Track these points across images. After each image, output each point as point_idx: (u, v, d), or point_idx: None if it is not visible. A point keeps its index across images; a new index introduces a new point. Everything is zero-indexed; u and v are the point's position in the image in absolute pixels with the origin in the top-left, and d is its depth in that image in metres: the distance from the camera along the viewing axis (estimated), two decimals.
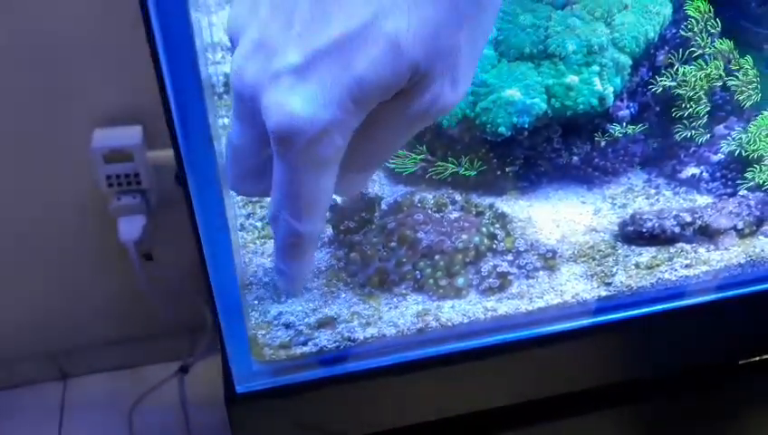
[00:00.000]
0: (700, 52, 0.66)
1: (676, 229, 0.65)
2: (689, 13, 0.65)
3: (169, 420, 1.52)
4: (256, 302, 0.61)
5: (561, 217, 0.68)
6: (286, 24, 0.38)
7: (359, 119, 0.38)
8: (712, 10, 0.66)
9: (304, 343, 0.59)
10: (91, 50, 1.10)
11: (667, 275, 0.63)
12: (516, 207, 0.69)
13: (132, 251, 1.28)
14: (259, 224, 0.68)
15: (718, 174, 0.69)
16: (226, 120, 0.78)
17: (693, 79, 0.65)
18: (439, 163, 0.67)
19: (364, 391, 0.62)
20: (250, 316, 0.60)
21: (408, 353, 0.61)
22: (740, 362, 0.76)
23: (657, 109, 0.67)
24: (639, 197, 0.69)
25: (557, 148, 0.68)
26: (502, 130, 0.64)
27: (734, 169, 0.69)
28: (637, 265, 0.64)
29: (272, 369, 0.59)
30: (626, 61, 0.64)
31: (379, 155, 0.44)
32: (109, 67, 1.13)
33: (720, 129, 0.71)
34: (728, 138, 0.68)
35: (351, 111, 0.38)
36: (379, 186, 0.71)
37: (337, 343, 0.59)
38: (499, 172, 0.67)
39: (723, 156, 0.69)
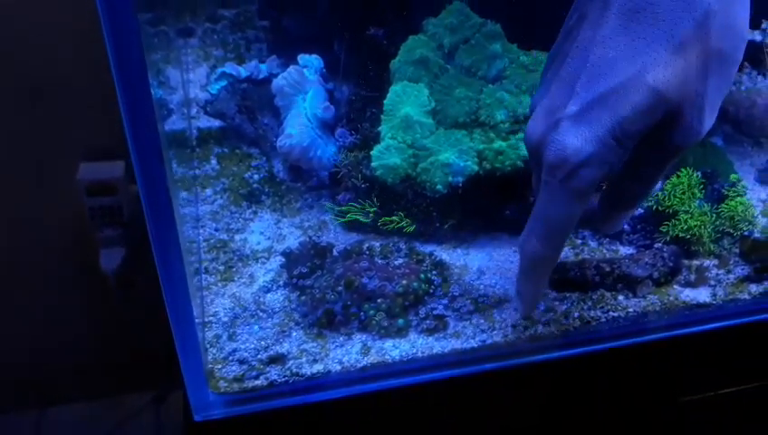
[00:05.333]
0: None
1: (597, 278, 0.73)
2: None
3: None
4: (214, 339, 0.68)
5: (495, 265, 0.75)
6: (569, 91, 0.50)
7: (616, 155, 0.50)
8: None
9: (256, 377, 0.66)
10: (80, 88, 1.16)
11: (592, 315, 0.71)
12: (454, 254, 0.76)
13: (112, 281, 1.34)
14: (221, 268, 0.75)
15: (639, 226, 0.77)
16: (197, 172, 0.86)
17: None
18: (385, 218, 0.74)
19: (313, 422, 0.69)
20: (208, 352, 0.67)
21: (352, 388, 0.68)
22: (684, 400, 0.82)
23: None
24: (566, 248, 0.77)
25: (490, 203, 0.75)
26: (439, 188, 0.71)
27: (653, 223, 0.76)
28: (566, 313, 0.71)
29: (227, 400, 0.66)
30: None
31: (640, 192, 0.56)
32: (95, 104, 1.19)
33: None
34: None
35: (612, 148, 0.49)
36: (333, 234, 0.79)
37: (286, 378, 0.66)
38: (438, 224, 0.74)
39: (642, 210, 0.77)
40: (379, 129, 0.73)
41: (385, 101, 0.72)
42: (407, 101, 0.72)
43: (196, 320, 0.68)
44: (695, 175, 0.76)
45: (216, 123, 0.90)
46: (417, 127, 0.71)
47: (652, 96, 0.48)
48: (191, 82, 0.98)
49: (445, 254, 0.76)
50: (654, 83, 0.47)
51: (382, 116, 0.72)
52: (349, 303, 0.69)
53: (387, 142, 0.71)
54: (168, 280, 0.56)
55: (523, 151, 0.71)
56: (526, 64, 0.73)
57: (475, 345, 0.69)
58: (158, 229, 0.53)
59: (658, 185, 0.77)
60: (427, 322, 0.70)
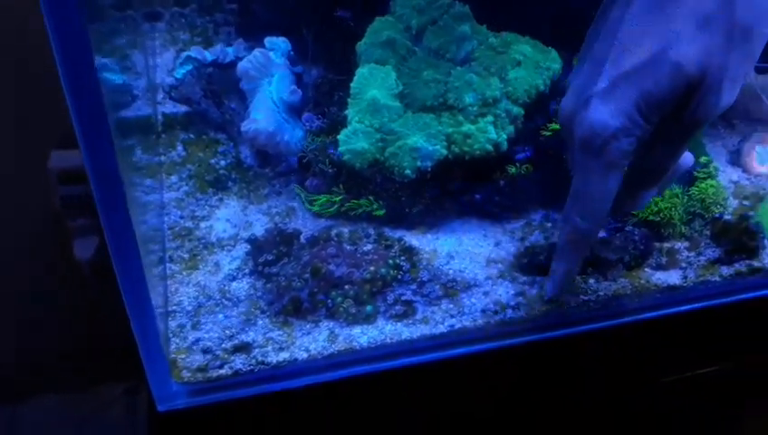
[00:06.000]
0: None
1: None
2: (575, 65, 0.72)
3: None
4: (178, 328, 0.67)
5: (464, 249, 0.74)
6: (598, 69, 0.53)
7: (642, 128, 0.52)
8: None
9: (221, 367, 0.65)
10: (55, 73, 1.14)
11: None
12: (424, 239, 0.75)
13: (86, 270, 1.32)
14: (186, 256, 0.73)
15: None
16: (162, 158, 0.84)
17: None
18: (354, 201, 0.73)
19: (279, 411, 0.68)
20: (171, 342, 0.66)
21: (318, 376, 0.67)
22: (663, 380, 0.82)
23: (551, 152, 0.74)
24: (536, 231, 0.76)
25: (460, 187, 0.74)
26: (407, 172, 0.70)
27: None
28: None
29: (190, 390, 0.64)
30: (518, 111, 0.71)
31: (662, 168, 0.58)
32: None
33: None
34: None
35: (637, 122, 0.52)
36: (302, 220, 0.77)
37: (251, 367, 0.65)
38: (407, 209, 0.73)
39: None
40: (346, 112, 0.71)
41: (352, 85, 0.71)
42: (373, 84, 0.70)
43: (159, 310, 0.67)
44: None
45: (183, 109, 0.88)
46: (384, 111, 0.70)
47: (675, 71, 0.50)
48: (158, 67, 0.96)
49: (414, 239, 0.75)
50: (677, 59, 0.50)
51: (349, 100, 0.71)
52: (315, 290, 0.68)
53: (354, 126, 0.70)
54: (123, 272, 0.55)
55: (492, 135, 0.70)
56: (495, 46, 0.72)
57: (444, 331, 0.69)
58: (110, 221, 0.52)
59: None
60: (396, 308, 0.69)
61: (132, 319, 0.57)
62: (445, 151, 0.70)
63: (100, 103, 0.45)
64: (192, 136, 0.86)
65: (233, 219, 0.77)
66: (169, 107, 0.89)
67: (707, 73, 0.50)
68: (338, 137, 0.71)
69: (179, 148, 0.85)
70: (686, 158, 0.62)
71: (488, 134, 0.69)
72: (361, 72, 0.71)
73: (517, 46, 0.71)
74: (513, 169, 0.73)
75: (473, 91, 0.70)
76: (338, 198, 0.73)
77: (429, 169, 0.71)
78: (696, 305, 0.74)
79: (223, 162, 0.83)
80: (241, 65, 0.77)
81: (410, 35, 0.73)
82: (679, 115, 0.52)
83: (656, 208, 0.72)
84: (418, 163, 0.70)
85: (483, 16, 0.73)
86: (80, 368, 1.58)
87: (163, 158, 0.84)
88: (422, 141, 0.69)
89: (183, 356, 0.65)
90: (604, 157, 0.53)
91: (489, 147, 0.70)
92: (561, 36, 0.74)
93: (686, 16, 0.50)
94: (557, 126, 0.72)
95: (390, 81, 0.70)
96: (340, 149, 0.70)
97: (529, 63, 0.71)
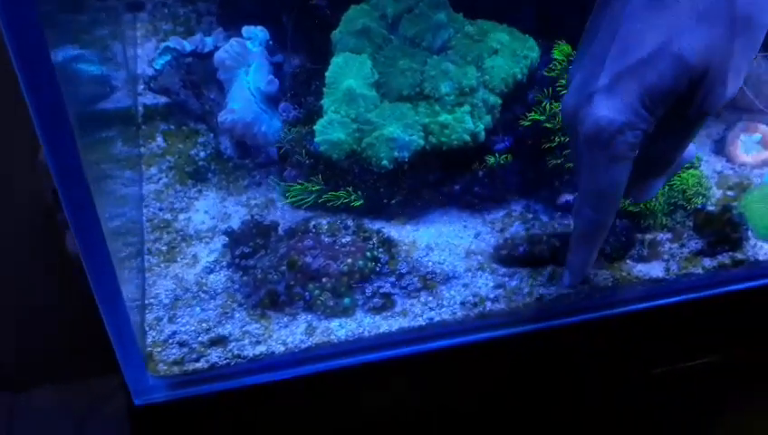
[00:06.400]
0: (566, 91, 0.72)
1: (546, 253, 0.71)
2: (554, 55, 0.71)
3: (119, 432, 1.55)
4: (155, 321, 0.66)
5: (444, 241, 0.74)
6: (599, 65, 0.53)
7: (647, 122, 0.53)
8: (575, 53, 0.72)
9: (197, 360, 0.64)
10: None
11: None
12: (403, 231, 0.74)
13: (78, 262, 1.32)
14: (164, 248, 0.73)
15: None
16: (142, 150, 0.83)
17: (558, 114, 0.71)
18: (331, 193, 0.73)
19: (256, 404, 0.68)
20: (148, 335, 0.65)
21: (296, 369, 0.67)
22: (649, 373, 0.81)
23: (530, 142, 0.73)
24: (517, 221, 0.75)
25: (439, 178, 0.73)
26: (385, 163, 0.70)
27: None
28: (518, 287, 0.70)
29: (167, 383, 0.64)
30: (496, 100, 0.70)
31: (669, 158, 0.59)
32: None
33: None
34: None
35: (642, 115, 0.52)
36: (281, 212, 0.77)
37: (228, 360, 0.65)
38: (386, 200, 0.73)
39: None
40: (322, 102, 0.70)
41: (327, 74, 0.70)
42: (349, 73, 0.69)
43: (137, 302, 0.67)
44: None
45: (163, 100, 0.87)
46: (360, 100, 0.69)
47: (678, 64, 0.50)
48: (139, 58, 0.95)
49: (393, 230, 0.74)
50: (679, 52, 0.50)
51: (324, 89, 0.70)
52: (292, 282, 0.67)
53: (330, 117, 0.69)
54: (92, 269, 0.54)
55: (469, 124, 0.69)
56: (472, 34, 0.71)
57: (423, 323, 0.68)
58: (76, 219, 0.51)
59: None
60: (374, 300, 0.69)
61: (104, 315, 0.57)
62: (422, 142, 0.69)
63: (58, 101, 0.44)
64: (172, 127, 0.85)
65: (211, 211, 0.76)
66: (150, 98, 0.88)
67: (711, 65, 0.50)
68: (314, 127, 0.70)
69: (159, 139, 0.84)
70: (689, 148, 0.62)
71: (465, 124, 0.68)
72: (336, 61, 0.70)
73: (494, 34, 0.70)
74: (491, 160, 0.72)
75: (449, 80, 0.69)
76: (315, 189, 0.72)
77: (407, 160, 0.70)
78: (680, 298, 0.73)
79: (202, 153, 0.82)
80: (217, 55, 0.76)
81: (386, 24, 0.72)
82: (685, 107, 0.53)
83: None
84: (395, 154, 0.69)
85: (459, 4, 0.72)
86: (75, 361, 1.58)
87: (143, 149, 0.84)
88: (399, 132, 0.68)
89: (159, 349, 0.65)
90: (611, 151, 0.54)
91: (466, 137, 0.69)
92: (538, 24, 0.73)
93: (687, 9, 0.50)
94: (536, 115, 0.72)
95: (366, 70, 0.70)
96: (316, 139, 0.70)
97: (506, 52, 0.70)
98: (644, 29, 0.51)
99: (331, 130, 0.69)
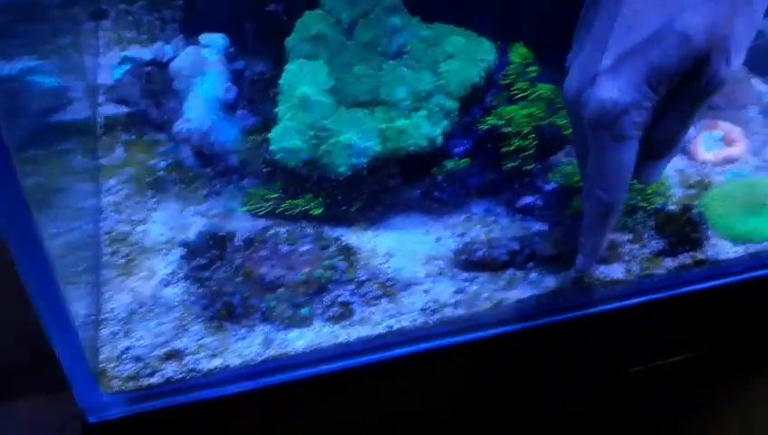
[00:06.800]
0: (523, 94, 0.72)
1: (506, 257, 0.71)
2: (512, 59, 0.71)
3: None
4: (110, 336, 0.66)
5: (404, 247, 0.73)
6: (601, 47, 0.53)
7: (651, 100, 0.53)
8: (533, 55, 0.72)
9: (151, 375, 0.63)
10: None
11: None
12: (364, 237, 0.74)
13: None
14: (122, 261, 0.72)
15: (552, 202, 0.75)
16: (102, 161, 0.82)
17: (516, 118, 0.70)
18: (289, 201, 0.72)
19: (213, 419, 0.67)
20: (102, 351, 0.64)
21: (252, 382, 0.66)
22: (630, 371, 0.81)
23: (490, 145, 0.73)
24: (477, 225, 0.75)
25: (398, 183, 0.73)
26: (342, 169, 0.69)
27: (566, 198, 0.75)
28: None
29: (120, 400, 0.63)
30: (452, 105, 0.70)
31: (673, 139, 0.58)
32: None
33: (560, 157, 0.77)
34: (558, 169, 0.74)
35: (647, 95, 0.52)
36: (240, 221, 0.76)
37: (183, 375, 0.64)
38: (345, 207, 0.72)
39: (555, 185, 0.75)
40: (277, 110, 0.70)
41: (281, 81, 0.69)
42: (303, 80, 0.69)
43: (91, 318, 0.66)
44: None
45: (124, 110, 0.86)
46: (315, 107, 0.68)
47: (682, 43, 0.50)
48: (101, 67, 0.94)
49: (354, 236, 0.73)
50: (683, 30, 0.50)
51: (279, 97, 0.69)
52: (247, 294, 0.67)
53: (285, 124, 0.69)
54: (35, 292, 0.53)
55: (426, 130, 0.69)
56: (427, 39, 0.70)
57: (383, 331, 0.67)
58: (15, 244, 0.50)
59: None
60: (333, 309, 0.68)
61: (49, 334, 0.56)
62: (379, 148, 0.69)
63: None
64: (133, 137, 0.85)
65: (169, 222, 0.75)
66: (111, 108, 0.88)
67: (715, 42, 0.50)
68: (269, 135, 0.69)
69: (120, 150, 0.84)
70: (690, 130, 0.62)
71: (422, 129, 0.68)
72: (290, 67, 0.69)
73: (450, 38, 0.70)
74: (450, 164, 0.72)
75: (405, 85, 0.68)
76: (272, 197, 0.72)
77: (365, 166, 0.69)
78: (641, 299, 0.73)
79: (163, 163, 0.81)
80: (173, 65, 0.76)
81: (341, 29, 0.71)
82: (690, 85, 0.53)
83: None
84: (353, 160, 0.69)
85: (415, 8, 0.72)
86: (58, 371, 1.56)
87: (103, 160, 0.83)
88: (355, 138, 0.68)
89: (113, 365, 0.64)
90: (616, 131, 0.54)
91: (424, 142, 0.68)
92: (495, 27, 0.73)
93: None
94: (494, 119, 0.71)
95: (321, 76, 0.69)
96: (272, 147, 0.69)
97: (462, 56, 0.69)
98: (647, 9, 0.51)
99: (286, 138, 0.69)
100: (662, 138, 0.58)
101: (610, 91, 0.52)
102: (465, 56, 0.70)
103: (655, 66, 0.51)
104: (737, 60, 0.52)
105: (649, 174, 0.62)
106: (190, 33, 0.90)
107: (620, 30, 0.52)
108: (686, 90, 0.54)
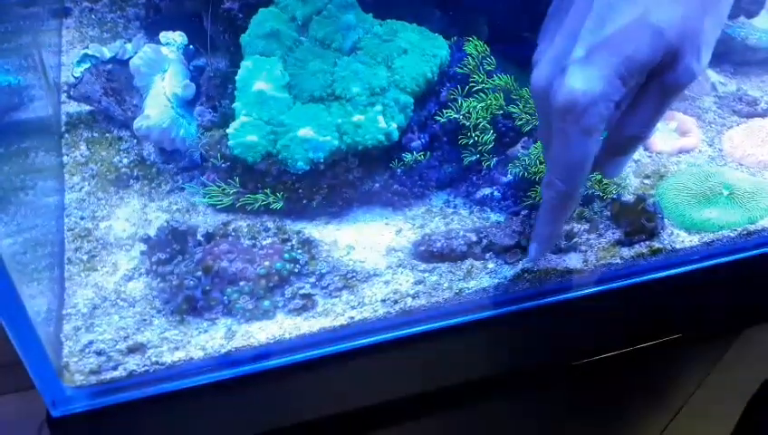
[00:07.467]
0: (480, 86, 0.73)
1: (464, 248, 0.72)
2: (467, 51, 0.72)
3: None
4: (72, 331, 0.66)
5: (365, 239, 0.74)
6: (572, 39, 0.54)
7: (620, 93, 0.53)
8: (488, 49, 0.73)
9: (114, 368, 0.64)
10: None
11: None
12: (325, 231, 0.75)
13: None
14: (85, 257, 0.73)
15: (509, 193, 0.76)
16: (65, 159, 0.82)
17: (473, 111, 0.72)
18: (249, 195, 0.73)
19: (177, 411, 0.68)
20: (65, 345, 0.65)
21: (215, 374, 0.67)
22: (573, 364, 0.82)
23: (446, 138, 0.74)
24: (437, 217, 0.76)
25: (358, 176, 0.74)
26: (300, 164, 0.70)
27: (523, 189, 0.76)
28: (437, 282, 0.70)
29: (85, 393, 0.64)
30: (407, 99, 0.71)
31: (640, 134, 0.59)
32: None
33: (518, 149, 0.78)
34: (515, 161, 0.76)
35: (616, 86, 0.53)
36: (203, 216, 0.77)
37: (146, 368, 0.65)
38: (305, 201, 0.73)
39: (512, 177, 0.76)
40: (234, 106, 0.70)
41: (237, 78, 0.70)
42: (258, 76, 0.69)
43: (54, 313, 0.67)
44: None
45: (87, 107, 0.86)
46: (271, 102, 0.69)
47: (654, 36, 0.51)
48: (63, 66, 0.94)
49: (315, 230, 0.75)
50: (656, 23, 0.51)
51: (236, 93, 0.70)
52: (209, 288, 0.67)
53: (242, 120, 0.69)
54: None
55: (382, 124, 0.70)
56: (381, 35, 0.71)
57: (345, 322, 0.69)
58: None
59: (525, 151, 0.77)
60: (294, 301, 0.69)
61: (8, 330, 0.56)
62: (336, 142, 0.70)
63: None
64: (96, 135, 0.85)
65: (132, 218, 0.76)
66: (74, 106, 0.88)
67: (686, 38, 0.52)
68: (227, 131, 0.70)
69: (83, 147, 0.84)
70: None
71: (378, 124, 0.69)
72: (245, 64, 0.70)
73: (403, 34, 0.71)
74: (408, 157, 0.73)
75: (359, 80, 0.69)
76: (232, 192, 0.72)
77: (323, 160, 0.70)
78: (598, 289, 0.74)
79: (125, 160, 0.82)
80: (132, 62, 0.76)
81: (296, 26, 0.72)
82: (658, 81, 0.54)
83: None
84: (310, 155, 0.70)
85: (369, 5, 0.73)
86: None
87: (66, 158, 0.83)
88: (312, 133, 0.69)
89: (76, 360, 0.64)
90: (583, 122, 0.54)
91: (380, 136, 0.70)
92: (448, 22, 0.74)
93: None
94: (451, 113, 0.72)
95: (276, 72, 0.70)
96: (230, 143, 0.70)
97: (415, 51, 0.71)
98: (619, 2, 0.52)
99: (243, 133, 0.69)
100: (630, 132, 0.59)
101: (581, 81, 0.53)
102: (419, 52, 0.71)
103: (626, 58, 0.52)
104: (707, 56, 0.54)
105: (614, 169, 0.64)
106: (154, 31, 0.90)
107: (593, 22, 0.53)
108: (656, 85, 0.55)
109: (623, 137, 0.60)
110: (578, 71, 0.53)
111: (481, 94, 0.73)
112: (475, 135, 0.73)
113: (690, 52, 0.53)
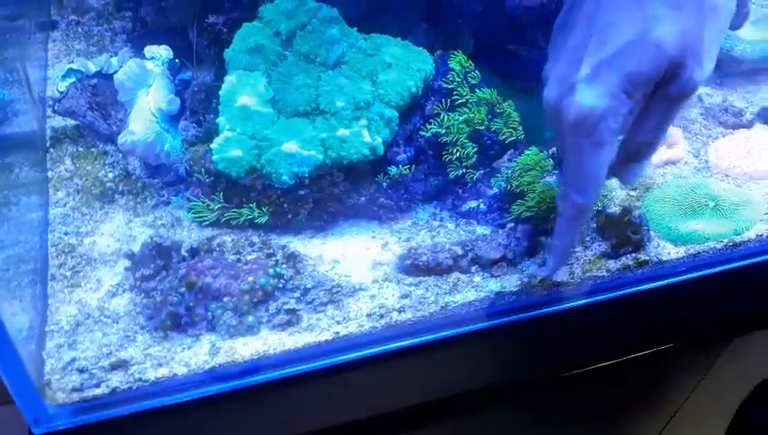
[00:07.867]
0: (464, 100, 0.73)
1: (450, 262, 0.72)
2: (451, 66, 0.72)
3: None
4: (54, 349, 0.66)
5: (351, 253, 0.74)
6: (578, 57, 0.56)
7: (627, 107, 0.56)
8: (473, 63, 0.73)
9: (97, 386, 0.64)
10: None
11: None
12: (310, 245, 0.75)
13: None
14: (68, 273, 0.72)
15: (495, 206, 0.76)
16: (50, 173, 0.82)
17: (454, 124, 0.72)
18: (234, 210, 0.73)
19: (161, 428, 0.67)
20: (47, 363, 0.65)
21: (199, 390, 0.66)
22: (561, 376, 0.82)
23: (431, 152, 0.74)
24: (423, 230, 0.76)
25: (343, 190, 0.74)
26: (285, 178, 0.70)
27: (508, 202, 0.76)
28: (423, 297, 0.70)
29: (68, 411, 0.64)
30: (392, 114, 0.71)
31: (651, 141, 0.61)
32: None
33: (504, 161, 0.78)
34: (498, 174, 0.76)
35: (622, 101, 0.55)
36: (187, 231, 0.76)
37: (129, 384, 0.64)
38: (291, 216, 0.73)
39: (497, 190, 0.76)
40: (218, 120, 0.70)
41: (221, 93, 0.70)
42: (243, 90, 0.69)
43: (36, 330, 0.66)
44: (541, 153, 0.75)
45: (72, 122, 0.86)
46: (256, 117, 0.69)
47: (655, 51, 0.54)
48: (49, 79, 0.94)
49: (300, 244, 0.74)
50: (657, 39, 0.53)
51: (220, 108, 0.70)
52: (192, 304, 0.67)
53: (226, 134, 0.69)
54: None
55: (367, 139, 0.70)
56: (365, 49, 0.71)
57: (330, 338, 0.68)
58: None
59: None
60: (279, 317, 0.69)
61: None
62: (321, 157, 0.70)
63: None
64: (81, 149, 0.85)
65: (116, 233, 0.76)
66: (59, 120, 0.87)
67: (686, 49, 0.54)
68: (211, 146, 0.70)
69: (68, 162, 0.84)
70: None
71: (362, 138, 0.69)
72: (229, 79, 0.70)
73: (388, 48, 0.71)
74: (394, 170, 0.73)
75: (344, 94, 0.69)
76: (216, 207, 0.72)
77: (308, 175, 0.70)
78: (585, 301, 0.74)
79: (110, 174, 0.81)
80: (116, 78, 0.76)
81: (280, 41, 0.72)
82: (663, 92, 0.56)
83: (533, 204, 0.72)
84: (295, 169, 0.69)
85: (353, 19, 0.73)
86: None
87: (51, 173, 0.83)
88: (296, 147, 0.69)
89: (58, 377, 0.64)
90: (595, 137, 0.57)
91: (365, 150, 0.70)
92: (433, 36, 0.74)
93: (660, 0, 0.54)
94: (435, 128, 0.72)
95: (260, 87, 0.70)
96: (214, 157, 0.70)
97: (400, 65, 0.71)
98: (619, 21, 0.55)
99: (228, 148, 0.69)
100: (643, 139, 0.62)
101: (588, 97, 0.55)
102: (403, 66, 0.71)
103: (630, 74, 0.55)
104: (710, 64, 0.56)
105: (631, 175, 0.66)
106: (141, 44, 0.90)
107: (597, 41, 0.56)
108: (663, 94, 0.57)
109: (635, 143, 0.62)
110: (585, 88, 0.56)
111: (465, 108, 0.73)
112: (457, 150, 0.73)
113: (692, 62, 0.55)
